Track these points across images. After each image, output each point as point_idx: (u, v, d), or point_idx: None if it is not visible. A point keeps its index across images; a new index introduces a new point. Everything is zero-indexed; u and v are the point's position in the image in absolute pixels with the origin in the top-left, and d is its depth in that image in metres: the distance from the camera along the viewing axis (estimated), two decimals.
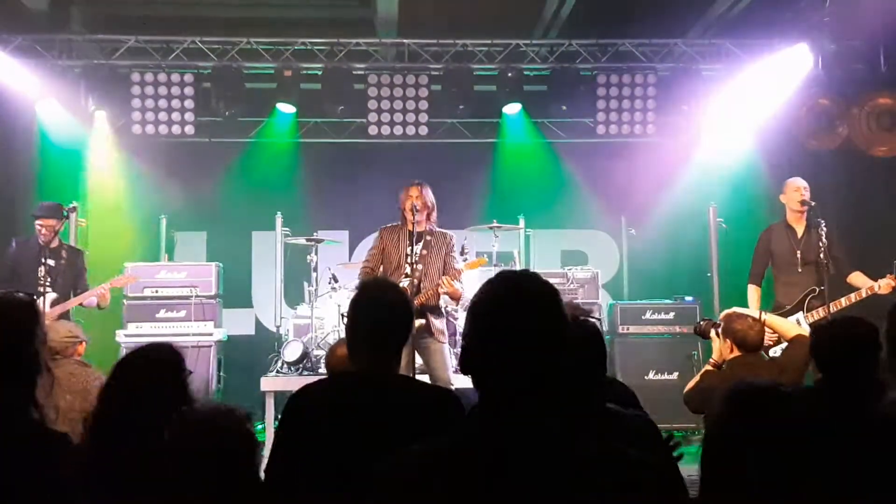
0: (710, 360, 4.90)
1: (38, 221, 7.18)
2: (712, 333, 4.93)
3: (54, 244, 7.20)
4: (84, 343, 5.19)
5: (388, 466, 1.78)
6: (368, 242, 10.20)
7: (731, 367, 4.64)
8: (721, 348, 4.77)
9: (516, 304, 1.79)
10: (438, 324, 6.38)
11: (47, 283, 6.93)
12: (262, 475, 2.90)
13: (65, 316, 7.04)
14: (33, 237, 7.24)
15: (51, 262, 7.04)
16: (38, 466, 2.33)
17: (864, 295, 6.41)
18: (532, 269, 9.23)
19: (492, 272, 8.29)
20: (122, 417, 2.73)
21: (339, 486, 2.66)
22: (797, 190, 6.85)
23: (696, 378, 4.87)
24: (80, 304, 7.24)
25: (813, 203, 6.70)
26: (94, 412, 2.85)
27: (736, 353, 4.67)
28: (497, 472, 1.67)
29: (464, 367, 1.83)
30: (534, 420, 1.73)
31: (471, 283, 7.81)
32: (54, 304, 7.05)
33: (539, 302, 1.81)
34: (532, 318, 1.78)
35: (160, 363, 2.89)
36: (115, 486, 2.55)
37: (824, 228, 6.49)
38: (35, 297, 2.68)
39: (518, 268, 8.85)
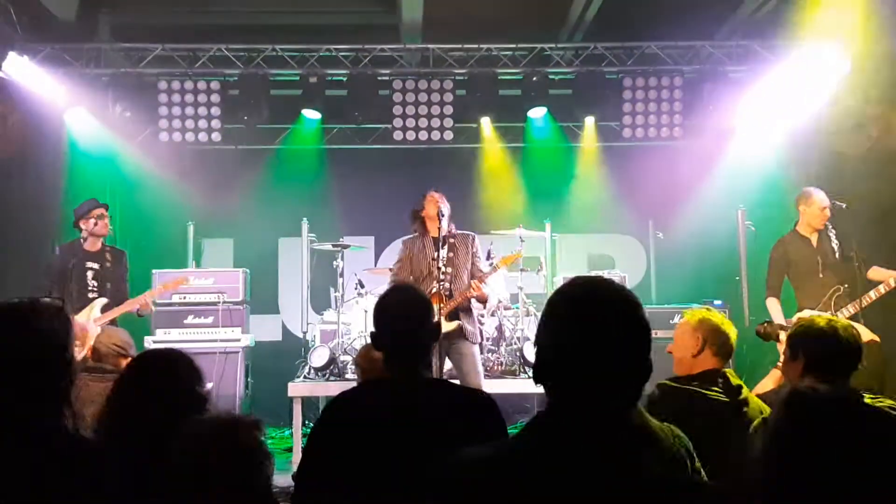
0: (780, 363, 4.76)
1: (91, 218, 6.94)
2: (782, 336, 4.80)
3: (97, 247, 7.01)
4: (129, 360, 5.04)
5: (451, 468, 1.75)
6: (394, 248, 10.27)
7: None
8: None
9: (607, 310, 1.77)
10: (470, 326, 6.42)
11: (95, 288, 6.89)
12: (291, 479, 2.91)
13: (113, 324, 6.80)
14: (76, 242, 7.08)
15: (95, 265, 6.94)
16: (74, 476, 2.32)
17: (892, 285, 6.35)
18: (558, 274, 9.21)
19: (517, 275, 8.28)
20: (125, 422, 2.70)
21: (376, 490, 2.66)
22: (824, 209, 6.81)
23: (771, 383, 4.70)
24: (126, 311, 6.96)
25: (844, 205, 6.63)
26: (100, 414, 2.82)
27: None
28: (572, 477, 1.66)
29: (539, 376, 1.79)
30: (609, 431, 1.71)
31: (496, 285, 7.80)
32: (105, 308, 6.83)
33: (625, 306, 1.79)
34: (620, 322, 1.76)
35: (167, 369, 2.86)
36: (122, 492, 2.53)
37: (832, 230, 6.71)
38: (65, 302, 2.62)
39: (545, 272, 8.81)
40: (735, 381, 3.71)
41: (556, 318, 1.81)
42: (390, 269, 8.33)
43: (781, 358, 4.74)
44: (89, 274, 6.92)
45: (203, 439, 2.22)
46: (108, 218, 7.10)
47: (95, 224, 6.95)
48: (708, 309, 4.03)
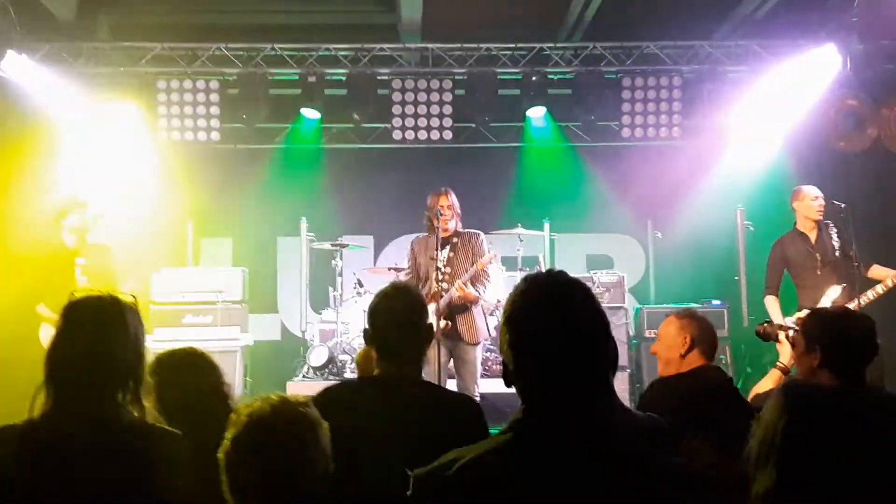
0: (779, 363, 4.78)
1: (72, 215, 7.02)
2: (781, 336, 4.81)
3: (80, 243, 7.04)
4: None
5: (436, 472, 1.75)
6: (393, 247, 10.29)
7: None
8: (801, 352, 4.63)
9: (556, 305, 1.77)
10: (466, 324, 6.36)
11: (84, 284, 6.87)
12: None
13: None
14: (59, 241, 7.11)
15: (81, 261, 6.97)
16: (156, 466, 2.34)
17: (889, 285, 6.40)
18: None
19: (516, 275, 8.28)
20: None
21: (364, 488, 2.66)
22: (816, 199, 6.88)
23: (770, 383, 4.71)
24: None
25: (843, 205, 6.64)
26: None
27: None
28: (556, 479, 1.65)
29: (508, 381, 1.81)
30: (593, 425, 1.70)
31: (496, 284, 7.79)
32: None
33: (576, 296, 1.79)
34: (575, 315, 1.75)
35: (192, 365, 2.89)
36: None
37: (834, 228, 6.75)
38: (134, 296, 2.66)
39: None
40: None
41: (531, 319, 1.79)
42: (390, 269, 8.34)
43: (781, 358, 4.76)
44: (77, 270, 6.94)
45: (263, 420, 2.21)
46: (89, 214, 7.12)
47: (76, 221, 7.01)
48: (689, 310, 4.09)
